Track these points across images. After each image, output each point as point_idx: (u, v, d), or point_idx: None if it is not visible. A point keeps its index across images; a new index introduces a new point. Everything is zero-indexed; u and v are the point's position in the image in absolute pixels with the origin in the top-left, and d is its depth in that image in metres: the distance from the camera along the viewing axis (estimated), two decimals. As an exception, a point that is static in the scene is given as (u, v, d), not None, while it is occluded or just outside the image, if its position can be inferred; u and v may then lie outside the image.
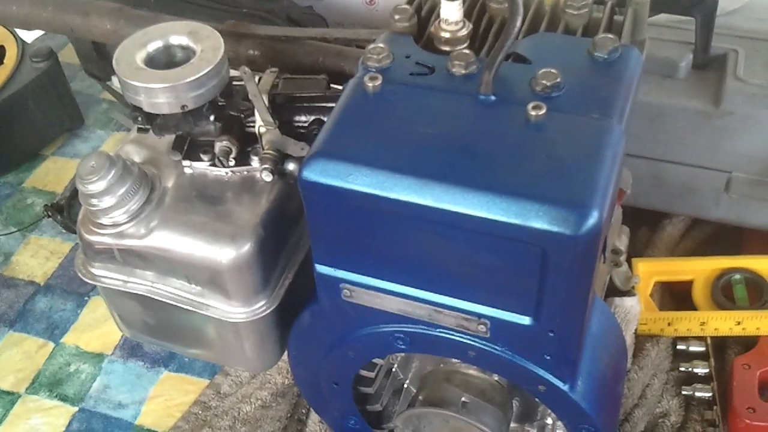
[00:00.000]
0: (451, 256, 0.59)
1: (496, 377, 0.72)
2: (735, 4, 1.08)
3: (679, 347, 0.93)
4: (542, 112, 0.57)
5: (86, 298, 1.07)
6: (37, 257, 1.13)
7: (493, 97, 0.60)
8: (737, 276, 0.96)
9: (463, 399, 0.70)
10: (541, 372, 0.63)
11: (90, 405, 0.96)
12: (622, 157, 0.58)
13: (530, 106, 0.57)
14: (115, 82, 1.31)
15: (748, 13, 1.08)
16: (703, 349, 0.93)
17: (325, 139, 0.58)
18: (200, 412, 0.92)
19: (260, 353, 0.75)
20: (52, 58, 1.24)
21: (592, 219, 0.52)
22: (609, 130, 0.57)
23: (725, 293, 0.96)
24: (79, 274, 0.74)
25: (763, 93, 0.92)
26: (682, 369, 0.92)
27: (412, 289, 0.62)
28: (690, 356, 0.93)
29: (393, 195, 0.55)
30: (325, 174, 0.57)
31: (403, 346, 0.67)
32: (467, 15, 0.67)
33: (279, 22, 1.16)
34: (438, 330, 0.64)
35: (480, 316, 0.61)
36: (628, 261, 0.96)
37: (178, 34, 0.70)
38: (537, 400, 0.71)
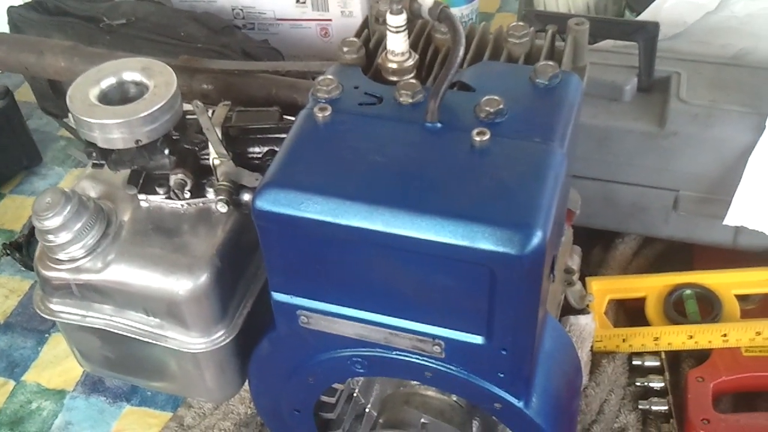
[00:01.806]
0: (404, 279, 0.60)
1: (454, 398, 0.73)
2: (677, 29, 1.12)
3: (634, 363, 0.95)
4: (486, 137, 0.59)
5: (46, 336, 1.06)
6: (-4, 296, 1.12)
7: (439, 125, 0.61)
8: (688, 291, 0.99)
9: (422, 420, 0.71)
10: (496, 390, 0.64)
11: (52, 442, 0.95)
12: (565, 179, 0.60)
13: (475, 132, 0.59)
14: (71, 119, 1.32)
15: (690, 36, 1.12)
16: (657, 363, 0.95)
17: (277, 168, 0.60)
18: (164, 445, 0.92)
19: (221, 383, 0.76)
20: (8, 96, 1.24)
21: (536, 239, 0.54)
22: (551, 153, 0.60)
23: (677, 308, 0.98)
24: (38, 311, 0.74)
25: (705, 113, 0.95)
26: (639, 384, 0.94)
27: (368, 313, 0.64)
28: (645, 371, 0.95)
29: (344, 221, 0.57)
30: (277, 203, 0.58)
31: (361, 370, 0.68)
32: (413, 46, 0.69)
33: (234, 57, 1.18)
34: (394, 352, 0.65)
35: (434, 337, 0.63)
36: (582, 280, 0.98)
37: (131, 70, 0.71)
38: (495, 419, 0.72)
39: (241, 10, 1.34)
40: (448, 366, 0.65)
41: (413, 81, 0.65)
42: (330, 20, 1.32)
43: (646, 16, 1.15)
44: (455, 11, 1.32)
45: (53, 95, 1.25)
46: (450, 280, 0.59)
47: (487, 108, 0.61)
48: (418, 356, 0.65)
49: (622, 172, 0.99)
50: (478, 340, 0.62)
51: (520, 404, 0.65)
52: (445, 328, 0.62)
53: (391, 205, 0.56)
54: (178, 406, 0.96)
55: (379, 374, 0.70)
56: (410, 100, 0.63)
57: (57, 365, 1.03)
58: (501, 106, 0.61)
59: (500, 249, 0.54)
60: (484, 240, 0.54)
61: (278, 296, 0.65)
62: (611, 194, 1.02)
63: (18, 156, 1.29)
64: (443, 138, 0.61)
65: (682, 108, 0.96)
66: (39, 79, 1.25)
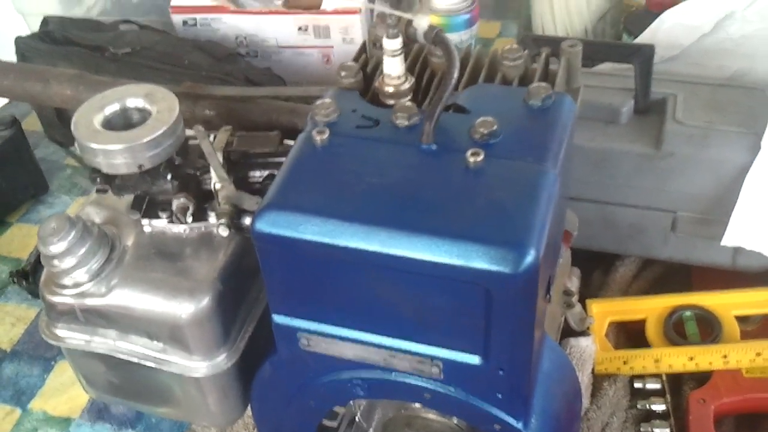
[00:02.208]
0: (402, 300, 0.61)
1: (455, 420, 0.74)
2: (673, 51, 1.14)
3: (636, 385, 0.95)
4: (480, 158, 0.60)
5: (53, 363, 1.07)
6: (3, 324, 1.13)
7: (434, 146, 0.63)
8: (688, 313, 0.99)
9: (423, 442, 0.71)
10: (495, 411, 0.65)
11: (57, 470, 0.96)
12: (558, 199, 0.61)
13: (469, 153, 0.61)
14: (78, 147, 1.34)
15: (686, 58, 1.13)
16: (659, 386, 0.95)
17: (276, 191, 0.61)
18: (167, 470, 0.92)
19: (224, 407, 0.76)
20: (15, 125, 1.26)
21: (530, 257, 0.55)
22: (544, 173, 0.61)
23: (677, 330, 0.98)
24: (43, 336, 0.75)
25: (702, 134, 0.96)
26: (640, 406, 0.93)
27: (367, 334, 0.64)
28: (647, 393, 0.95)
29: (342, 242, 0.58)
30: (276, 225, 0.59)
31: (361, 393, 0.69)
32: (410, 69, 0.71)
33: (237, 84, 1.20)
34: (394, 374, 0.66)
35: (433, 358, 0.64)
36: (582, 302, 0.98)
37: (134, 96, 0.72)
38: (496, 439, 0.73)
39: (245, 38, 1.36)
40: (447, 387, 0.65)
41: (409, 104, 0.66)
42: (332, 47, 1.34)
43: (642, 39, 1.17)
44: (454, 37, 1.35)
45: (60, 124, 1.27)
46: (447, 299, 0.60)
47: (482, 129, 0.63)
48: (417, 378, 0.65)
49: (619, 194, 1.00)
50: (475, 360, 0.62)
51: (519, 425, 0.65)
52: (443, 348, 0.63)
53: (387, 226, 0.57)
54: (183, 432, 0.96)
55: (379, 396, 0.71)
56: (406, 123, 0.65)
57: (63, 393, 1.03)
58: (495, 128, 0.63)
59: (494, 268, 0.55)
60: (478, 259, 0.55)
61: (279, 318, 0.66)
62: (610, 216, 1.02)
63: (25, 185, 1.31)
64: (438, 159, 0.62)
65: (679, 129, 0.97)
66: (46, 108, 1.27)
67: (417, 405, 0.73)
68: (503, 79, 0.72)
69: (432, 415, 0.73)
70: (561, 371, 0.72)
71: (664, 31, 1.15)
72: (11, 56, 1.29)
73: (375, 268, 0.59)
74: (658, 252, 1.04)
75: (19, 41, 1.29)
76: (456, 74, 0.64)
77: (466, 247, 0.55)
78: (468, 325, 0.60)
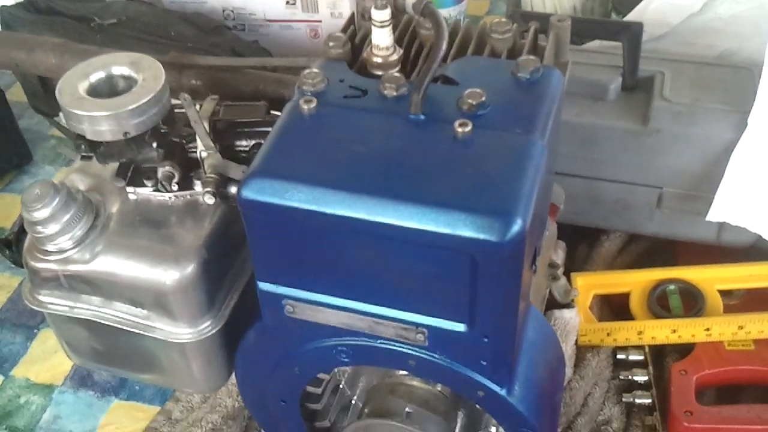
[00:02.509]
0: (388, 267, 0.61)
1: (439, 387, 0.74)
2: (661, 30, 1.14)
3: (618, 357, 0.96)
4: (468, 128, 0.60)
5: (35, 331, 1.07)
6: (-14, 292, 1.13)
7: (422, 117, 0.63)
8: (672, 286, 1.00)
9: (407, 409, 0.72)
10: (478, 377, 0.65)
11: (40, 436, 0.96)
12: (545, 170, 0.61)
13: (457, 123, 0.61)
14: (62, 117, 1.33)
15: (674, 37, 1.14)
16: (641, 357, 0.96)
17: (263, 158, 0.61)
18: (152, 438, 0.93)
19: (208, 374, 0.76)
20: (-1, 96, 1.25)
21: (516, 226, 0.55)
22: (531, 144, 0.61)
23: (661, 303, 0.99)
24: (26, 302, 0.75)
25: (689, 111, 0.96)
26: (623, 377, 0.95)
27: (352, 301, 0.65)
28: (629, 365, 0.96)
29: (329, 210, 0.58)
30: (263, 192, 0.59)
31: (346, 359, 0.69)
32: (398, 41, 0.70)
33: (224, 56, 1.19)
34: (379, 341, 0.66)
35: (418, 325, 0.64)
36: (567, 276, 0.99)
37: (119, 64, 0.72)
38: (480, 408, 0.73)
39: (232, 11, 1.35)
40: (432, 354, 0.65)
41: (398, 74, 0.66)
42: (320, 21, 1.33)
43: (631, 17, 1.16)
44: (443, 12, 1.34)
45: (44, 94, 1.26)
46: (432, 268, 0.60)
47: (470, 100, 0.63)
48: (401, 344, 0.66)
49: (606, 170, 1.01)
50: (460, 327, 0.63)
51: (502, 392, 0.66)
52: (428, 316, 0.63)
53: (374, 194, 0.57)
54: (166, 400, 0.97)
55: (364, 363, 0.71)
56: (394, 93, 0.65)
57: (46, 360, 1.03)
58: (483, 99, 0.63)
59: (481, 236, 0.55)
60: (465, 227, 0.55)
61: (264, 286, 0.66)
62: (596, 191, 1.03)
63: (8, 155, 1.30)
64: (426, 129, 0.62)
65: (666, 106, 0.97)
66: (30, 78, 1.26)
67: (401, 372, 0.74)
68: (492, 52, 0.72)
69: (416, 383, 0.73)
70: (545, 341, 0.72)
71: (653, 10, 1.15)
72: (-5, 25, 1.28)
73: (361, 236, 0.59)
74: (643, 227, 1.04)
75: (2, 10, 1.28)
76: (445, 46, 0.64)
77: (453, 215, 0.56)
78: (453, 293, 0.61)
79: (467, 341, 0.63)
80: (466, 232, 0.55)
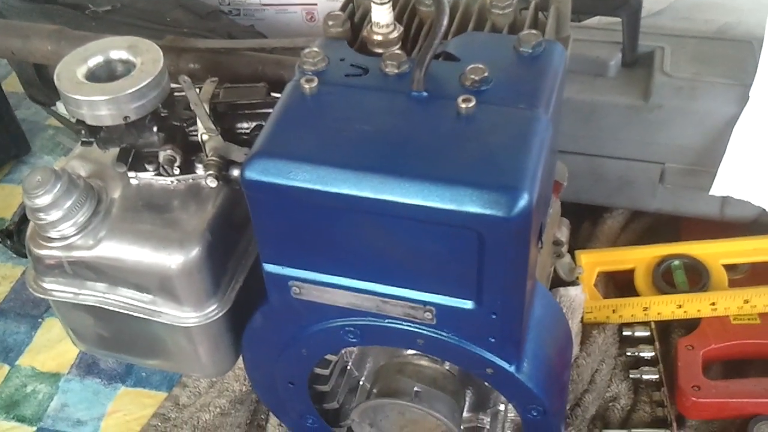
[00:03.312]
0: (394, 246, 0.61)
1: (447, 366, 0.74)
2: (660, 5, 1.13)
3: (624, 333, 0.96)
4: (472, 104, 0.60)
5: (40, 320, 1.07)
6: (-12, 283, 1.13)
7: (425, 94, 0.62)
8: (676, 262, 1.00)
9: (415, 389, 0.72)
10: (487, 354, 0.65)
11: (48, 424, 0.96)
12: (550, 145, 0.61)
13: (460, 99, 0.60)
14: (59, 107, 1.32)
15: (673, 12, 1.13)
16: (647, 333, 0.96)
17: (265, 139, 0.60)
18: (159, 423, 0.93)
19: (215, 358, 0.76)
20: (-5, 86, 1.24)
21: (523, 201, 0.55)
22: (536, 119, 0.60)
23: (666, 279, 0.99)
24: (31, 290, 0.75)
25: (690, 86, 0.96)
26: (629, 354, 0.95)
27: (359, 281, 0.64)
28: (636, 341, 0.96)
29: (333, 189, 0.57)
30: (266, 172, 0.59)
31: (354, 340, 0.69)
32: (398, 18, 0.70)
33: (221, 40, 1.18)
34: (386, 321, 0.66)
35: (425, 303, 0.64)
36: (571, 254, 0.99)
37: (117, 48, 0.71)
38: (488, 386, 0.73)
39: (227, -5, 1.34)
40: (440, 332, 0.65)
41: (399, 52, 0.65)
42: (315, 4, 1.32)
43: (630, -8, 1.16)
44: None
45: (40, 83, 1.25)
46: (439, 245, 0.59)
47: (472, 76, 0.62)
48: (409, 323, 0.66)
49: (608, 146, 1.00)
50: (468, 305, 0.62)
51: (511, 369, 0.66)
52: (436, 294, 0.63)
53: (379, 172, 0.57)
54: (173, 386, 0.97)
55: (372, 343, 0.71)
56: (396, 71, 0.64)
57: (51, 349, 1.03)
58: (486, 74, 0.62)
59: (488, 211, 0.55)
60: (471, 203, 0.55)
61: (270, 267, 0.66)
62: (598, 169, 1.02)
63: (6, 145, 1.29)
64: (429, 106, 0.61)
65: (667, 81, 0.97)
66: (25, 67, 1.25)
67: (409, 352, 0.74)
68: (493, 28, 0.71)
69: (424, 362, 0.73)
70: (552, 318, 0.72)
71: (651, -16, 1.14)
72: (-11, 14, 1.27)
73: (367, 215, 0.59)
74: (646, 204, 1.04)
75: (-3, -1, 1.27)
76: (446, 21, 0.63)
77: (459, 191, 0.55)
78: (460, 270, 0.60)
79: (475, 318, 0.63)
80: (473, 207, 0.55)
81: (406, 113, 0.62)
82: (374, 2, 0.66)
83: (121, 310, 0.72)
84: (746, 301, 0.93)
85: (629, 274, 1.01)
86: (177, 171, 0.72)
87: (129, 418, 0.95)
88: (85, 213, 0.70)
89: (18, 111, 1.34)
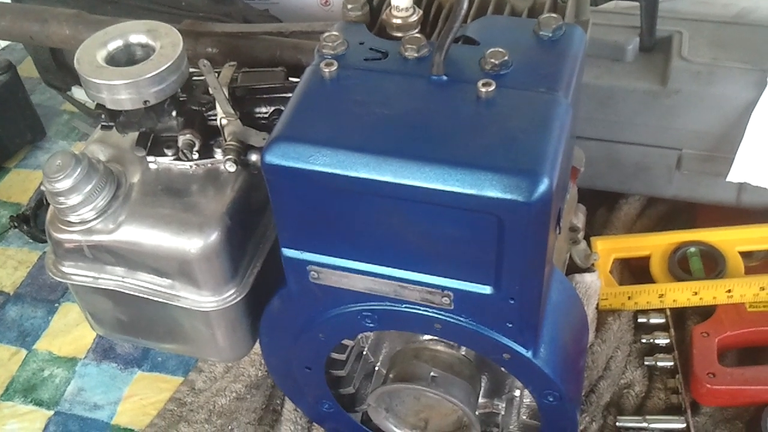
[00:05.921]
0: (413, 231, 0.61)
1: (463, 351, 0.74)
2: (678, -11, 1.12)
3: (640, 320, 0.96)
4: (492, 88, 0.60)
5: (56, 305, 1.08)
6: (5, 267, 1.13)
7: (444, 77, 0.62)
8: (692, 249, 1.00)
9: (432, 374, 0.72)
10: (504, 340, 0.65)
11: (65, 408, 0.96)
12: (570, 129, 0.61)
13: (480, 83, 0.60)
14: (75, 92, 1.32)
15: (691, -3, 1.12)
16: (663, 320, 0.96)
17: (285, 123, 0.60)
18: (176, 408, 0.93)
19: (232, 342, 0.77)
20: (11, 71, 1.24)
21: (543, 185, 0.55)
22: (556, 103, 0.60)
23: (681, 266, 0.99)
24: (50, 273, 0.75)
25: (707, 71, 0.95)
26: (644, 341, 0.95)
27: (377, 266, 0.64)
28: (651, 328, 0.96)
29: (353, 173, 0.58)
30: (286, 157, 0.59)
31: (371, 324, 0.69)
32: (417, 2, 0.70)
33: (236, 24, 1.18)
34: (404, 305, 0.66)
35: (443, 288, 0.64)
36: (587, 240, 0.99)
37: (137, 32, 0.71)
38: (504, 371, 0.73)
39: (242, -21, 1.33)
40: (458, 317, 0.65)
41: (418, 35, 0.65)
42: (331, -12, 1.32)
43: (648, -23, 1.15)
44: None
45: (56, 68, 1.25)
46: (458, 230, 0.59)
47: (492, 60, 0.62)
48: (427, 308, 0.66)
49: (625, 132, 1.00)
50: (486, 290, 0.62)
51: (528, 354, 0.66)
52: (454, 279, 0.63)
53: (399, 156, 0.57)
54: (189, 370, 0.97)
55: (389, 328, 0.71)
56: (416, 55, 0.64)
57: (68, 333, 1.04)
58: (506, 58, 0.62)
59: (508, 196, 0.55)
60: (491, 188, 0.55)
61: (288, 252, 0.66)
62: (615, 154, 1.02)
63: (22, 130, 1.30)
64: (449, 90, 0.61)
65: (684, 66, 0.96)
66: (41, 52, 1.25)
67: (425, 337, 0.74)
68: (512, 12, 0.71)
69: (440, 347, 0.73)
70: (569, 303, 0.72)
71: (669, -31, 1.13)
72: (5, -1, 1.27)
73: (386, 199, 0.59)
74: (662, 190, 1.04)
75: (12, -17, 1.27)
76: (466, 5, 0.63)
77: (479, 175, 0.55)
78: (479, 255, 0.60)
79: (493, 303, 0.63)
80: (493, 192, 0.55)
81: (426, 97, 0.61)
82: (393, -14, 0.66)
83: (140, 294, 0.73)
84: (762, 289, 0.93)
85: (645, 260, 1.01)
86: (196, 155, 0.72)
87: (145, 402, 0.96)
88: (105, 197, 0.70)
89: (33, 96, 1.34)
